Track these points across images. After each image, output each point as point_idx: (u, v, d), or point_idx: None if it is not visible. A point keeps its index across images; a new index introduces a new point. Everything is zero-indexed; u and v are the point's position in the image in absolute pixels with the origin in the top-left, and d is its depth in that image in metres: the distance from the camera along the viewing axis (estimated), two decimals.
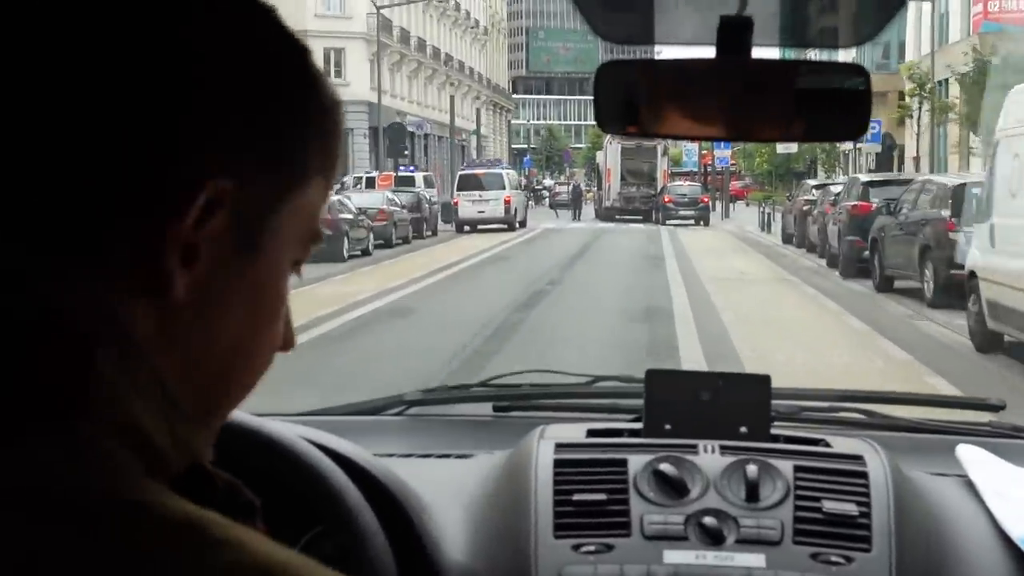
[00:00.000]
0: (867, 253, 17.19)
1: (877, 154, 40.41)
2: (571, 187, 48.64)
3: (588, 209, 48.51)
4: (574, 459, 1.67)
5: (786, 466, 1.62)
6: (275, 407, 1.81)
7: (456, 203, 36.54)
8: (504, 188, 36.61)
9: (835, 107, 1.40)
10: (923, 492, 1.70)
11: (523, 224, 37.62)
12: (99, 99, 0.63)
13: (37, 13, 0.64)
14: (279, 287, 0.72)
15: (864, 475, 1.62)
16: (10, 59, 0.63)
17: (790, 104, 1.39)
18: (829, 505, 1.57)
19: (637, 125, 1.44)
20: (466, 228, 35.42)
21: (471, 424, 2.14)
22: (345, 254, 21.98)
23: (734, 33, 1.31)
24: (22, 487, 0.57)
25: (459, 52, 63.77)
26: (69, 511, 0.56)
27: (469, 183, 37.12)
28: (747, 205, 56.76)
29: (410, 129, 51.98)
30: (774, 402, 1.83)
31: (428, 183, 40.71)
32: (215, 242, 0.65)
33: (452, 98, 54.10)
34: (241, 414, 1.44)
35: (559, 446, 1.70)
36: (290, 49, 0.73)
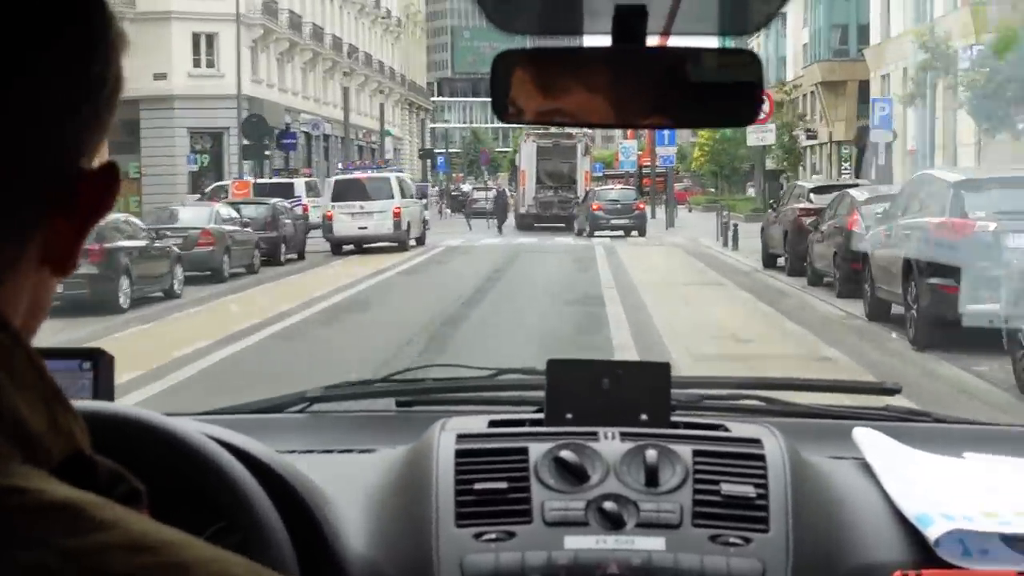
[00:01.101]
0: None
1: (860, 151, 36.53)
2: (495, 194, 43.72)
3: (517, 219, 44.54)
4: (475, 449, 1.78)
5: (685, 451, 1.74)
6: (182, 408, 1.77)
7: (330, 217, 31.07)
8: (393, 197, 31.31)
9: (728, 94, 1.53)
10: (820, 474, 1.82)
11: (420, 241, 32.98)
12: None
13: None
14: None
15: (762, 458, 1.74)
16: None
17: (683, 91, 1.51)
18: (727, 488, 1.69)
19: (533, 113, 1.54)
20: (345, 248, 30.77)
21: (374, 419, 2.22)
22: (122, 301, 16.91)
23: (629, 22, 1.43)
24: None
25: (366, 44, 61.94)
26: None
27: (348, 191, 31.75)
28: (689, 210, 54.28)
29: (304, 129, 48.86)
30: (675, 391, 1.93)
31: (312, 190, 36.36)
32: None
33: (346, 90, 50.70)
34: (149, 412, 1.56)
35: (461, 437, 1.81)
36: None
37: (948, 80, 31.58)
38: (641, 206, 32.35)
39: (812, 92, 39.77)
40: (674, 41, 1.66)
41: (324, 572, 1.61)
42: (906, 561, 1.67)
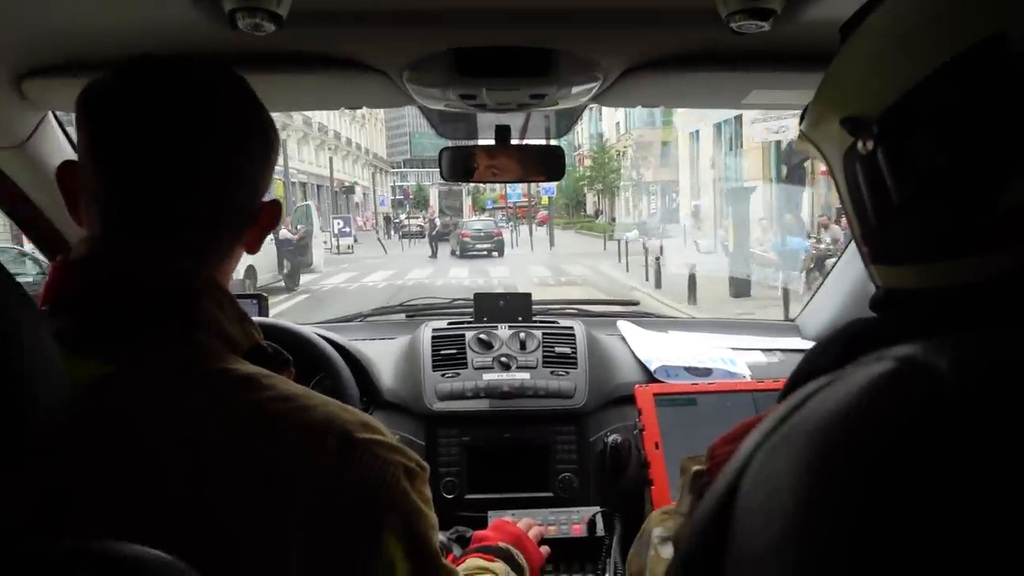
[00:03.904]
0: None
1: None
2: (429, 222, 32.69)
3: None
4: (441, 336, 1.89)
5: (538, 333, 1.88)
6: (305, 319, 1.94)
7: None
8: None
9: (550, 163, 1.56)
10: (601, 342, 1.91)
11: (290, 282, 15.02)
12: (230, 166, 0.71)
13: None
14: None
15: (573, 335, 1.88)
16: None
17: (528, 163, 1.55)
18: (558, 349, 1.83)
19: (462, 175, 1.56)
20: None
21: (394, 324, 2.19)
22: None
23: (502, 132, 1.53)
24: (168, 364, 0.65)
25: (336, 125, 56.12)
26: (189, 375, 0.65)
27: None
28: (547, 233, 39.45)
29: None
30: (534, 306, 2.03)
31: None
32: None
33: (331, 159, 41.45)
34: (288, 322, 1.68)
35: (434, 330, 1.92)
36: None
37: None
38: (499, 233, 26.92)
39: (626, 150, 38.35)
40: (526, 140, 1.71)
41: (373, 396, 1.73)
42: (640, 381, 1.76)
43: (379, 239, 32.28)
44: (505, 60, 1.16)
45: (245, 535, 0.59)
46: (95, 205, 0.70)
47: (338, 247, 26.86)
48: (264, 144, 0.74)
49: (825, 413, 0.37)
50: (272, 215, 0.76)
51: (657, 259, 14.31)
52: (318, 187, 37.94)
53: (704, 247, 16.58)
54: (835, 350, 0.57)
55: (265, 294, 1.95)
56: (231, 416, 0.62)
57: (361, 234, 37.41)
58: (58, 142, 1.44)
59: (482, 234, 26.64)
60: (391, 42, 1.12)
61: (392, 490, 0.65)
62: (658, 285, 13.74)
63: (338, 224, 27.91)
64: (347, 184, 45.89)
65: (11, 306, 0.45)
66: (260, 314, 1.90)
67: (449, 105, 1.35)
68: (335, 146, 43.51)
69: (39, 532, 0.55)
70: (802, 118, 0.66)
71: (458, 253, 25.71)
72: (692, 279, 12.13)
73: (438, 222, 31.15)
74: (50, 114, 1.42)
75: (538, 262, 20.49)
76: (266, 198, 0.77)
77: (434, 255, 24.73)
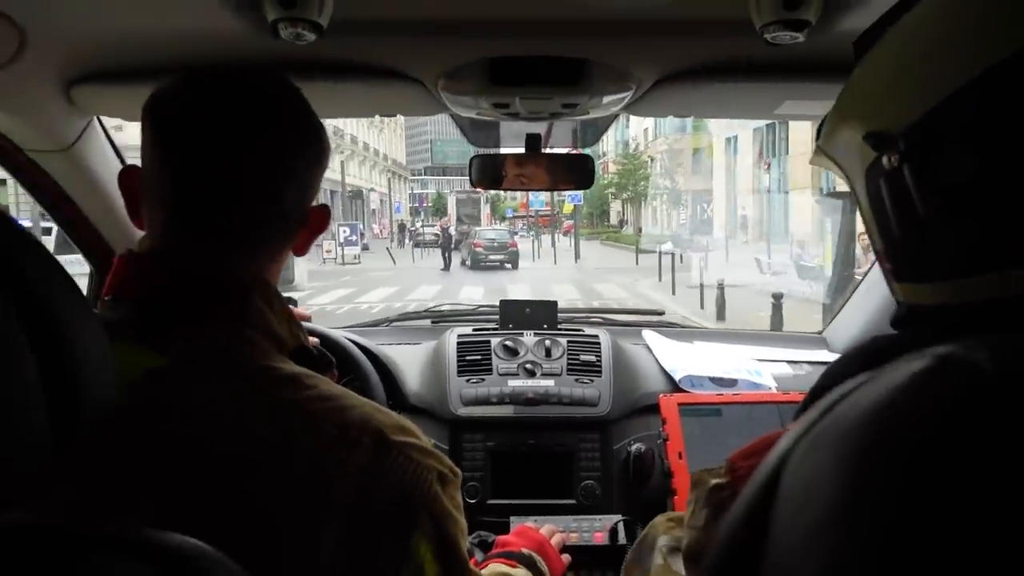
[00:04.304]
0: None
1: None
2: (443, 231, 27.92)
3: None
4: (466, 342, 1.90)
5: (563, 341, 1.88)
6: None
7: None
8: None
9: (579, 171, 1.58)
10: (626, 351, 1.91)
11: None
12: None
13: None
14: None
15: (599, 343, 1.88)
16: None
17: (557, 171, 1.57)
18: (583, 357, 1.83)
19: (488, 183, 1.59)
20: None
21: (420, 329, 2.20)
22: None
23: (532, 141, 1.57)
24: (220, 359, 0.68)
25: (353, 130, 55.00)
26: (239, 370, 0.67)
27: None
28: (571, 243, 34.55)
29: None
30: (560, 314, 2.03)
31: None
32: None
33: (343, 163, 40.12)
34: (318, 325, 1.64)
35: (460, 336, 1.93)
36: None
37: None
38: (514, 244, 24.72)
39: (658, 156, 37.09)
40: (555, 149, 1.70)
41: (397, 399, 1.74)
42: (665, 390, 1.76)
43: (387, 249, 29.67)
44: (538, 69, 1.18)
45: (283, 527, 0.61)
46: (158, 206, 0.73)
47: (343, 257, 24.88)
48: (316, 149, 0.77)
49: (866, 406, 0.37)
50: (321, 219, 0.79)
51: (720, 286, 11.62)
52: (331, 192, 35.50)
53: (772, 265, 14.23)
54: (858, 364, 0.57)
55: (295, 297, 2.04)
56: (274, 412, 0.64)
57: (377, 242, 35.59)
58: (102, 147, 1.48)
59: (495, 244, 24.70)
60: (427, 51, 1.15)
61: (425, 494, 0.67)
62: (720, 317, 11.25)
63: (344, 232, 25.79)
64: (354, 189, 42.68)
65: (58, 296, 0.46)
66: None
67: (481, 113, 1.36)
68: (351, 151, 41.25)
69: (85, 518, 0.57)
70: (819, 133, 0.65)
71: (469, 264, 23.82)
72: (778, 309, 9.43)
73: (454, 231, 27.50)
74: (95, 119, 1.45)
75: (563, 278, 18.51)
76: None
77: (447, 267, 22.83)
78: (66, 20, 0.98)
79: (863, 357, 0.56)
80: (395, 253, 27.48)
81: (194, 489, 0.61)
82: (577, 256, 26.47)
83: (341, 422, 0.66)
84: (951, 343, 0.36)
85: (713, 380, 1.80)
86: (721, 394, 1.66)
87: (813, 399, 0.57)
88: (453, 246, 24.52)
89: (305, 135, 0.76)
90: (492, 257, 24.25)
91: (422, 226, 38.77)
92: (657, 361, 1.88)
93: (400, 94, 1.28)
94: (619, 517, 1.59)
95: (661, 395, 1.64)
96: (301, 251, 0.79)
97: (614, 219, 43.61)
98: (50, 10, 0.93)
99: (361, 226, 35.30)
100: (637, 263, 21.78)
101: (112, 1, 0.93)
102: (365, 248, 27.72)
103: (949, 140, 0.50)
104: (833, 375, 0.57)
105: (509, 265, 23.90)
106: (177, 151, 0.72)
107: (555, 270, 21.43)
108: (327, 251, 24.14)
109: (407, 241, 35.70)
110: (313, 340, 1.10)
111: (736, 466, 0.62)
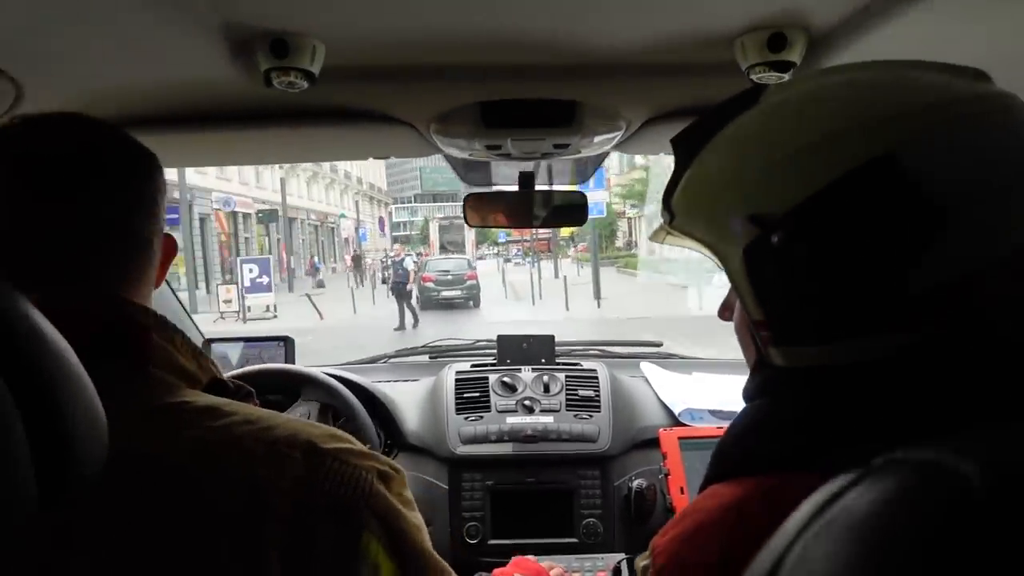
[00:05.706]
0: None
1: None
2: (394, 266, 16.98)
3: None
4: (464, 378, 1.90)
5: (561, 376, 1.89)
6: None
7: None
8: None
9: (572, 210, 1.64)
10: (625, 384, 1.90)
11: None
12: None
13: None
14: None
15: (596, 377, 1.88)
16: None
17: (552, 209, 1.61)
18: (582, 392, 1.84)
19: (481, 221, 1.62)
20: None
21: (417, 365, 2.21)
22: None
23: (526, 179, 1.59)
24: (134, 401, 0.66)
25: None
26: (149, 409, 0.66)
27: None
28: (579, 271, 25.57)
29: (210, 207, 23.04)
30: (557, 347, 2.04)
31: None
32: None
33: (283, 180, 30.83)
34: (302, 367, 1.66)
35: (458, 372, 1.94)
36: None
37: None
38: (472, 276, 18.69)
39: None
40: (547, 188, 1.73)
41: (395, 438, 1.75)
42: (664, 424, 1.77)
43: (307, 295, 18.94)
44: (530, 111, 1.20)
45: (227, 556, 0.60)
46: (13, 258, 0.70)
47: (246, 312, 16.04)
48: (146, 180, 0.76)
49: (862, 516, 0.36)
50: (167, 248, 0.78)
51: None
52: (290, 220, 29.06)
53: None
54: (750, 443, 0.63)
55: (291, 336, 1.95)
56: (194, 445, 0.63)
57: (341, 278, 28.07)
58: None
59: (449, 278, 18.69)
60: (419, 96, 1.16)
61: (366, 493, 0.66)
62: None
63: (250, 272, 16.91)
64: (318, 215, 34.33)
65: (47, 355, 0.46)
66: (287, 356, 1.92)
67: (474, 155, 1.38)
68: (314, 171, 34.71)
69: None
70: (667, 214, 0.70)
71: (418, 307, 16.08)
72: None
73: (412, 264, 18.11)
74: None
75: (583, 340, 6.60)
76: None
77: (401, 325, 14.56)
78: (62, 75, 0.98)
79: (753, 435, 0.63)
80: (356, 293, 19.70)
81: (128, 541, 0.60)
82: (598, 295, 16.93)
83: (269, 439, 0.65)
84: (934, 446, 0.36)
85: (713, 413, 1.79)
86: (721, 427, 1.57)
87: (711, 481, 0.65)
88: (396, 287, 15.93)
89: (134, 168, 0.75)
90: (445, 294, 18.37)
91: (392, 260, 22.81)
92: (656, 394, 1.88)
93: (393, 137, 1.30)
94: (622, 555, 1.57)
95: (661, 429, 1.64)
96: (157, 282, 0.78)
97: (619, 241, 39.12)
98: (47, 66, 0.93)
99: (317, 258, 29.59)
100: (688, 305, 14.24)
101: (106, 55, 0.93)
102: (320, 286, 22.55)
103: (831, 222, 0.56)
104: (724, 461, 0.65)
105: (472, 303, 18.21)
106: (10, 201, 0.69)
107: (568, 319, 14.02)
108: (224, 300, 16.01)
109: (368, 279, 26.55)
110: (297, 384, 1.23)
111: (655, 545, 0.66)
